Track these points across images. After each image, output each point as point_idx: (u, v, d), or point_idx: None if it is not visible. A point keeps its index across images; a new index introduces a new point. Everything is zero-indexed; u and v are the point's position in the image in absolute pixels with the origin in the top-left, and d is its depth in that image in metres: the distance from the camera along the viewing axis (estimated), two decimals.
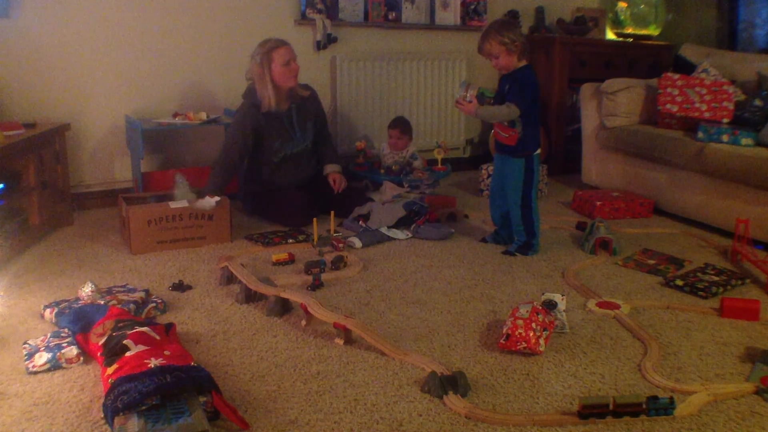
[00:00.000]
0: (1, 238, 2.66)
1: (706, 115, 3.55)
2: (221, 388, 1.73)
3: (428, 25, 4.38)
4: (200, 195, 3.05)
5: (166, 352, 1.81)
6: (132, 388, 1.59)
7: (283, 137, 3.38)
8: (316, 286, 2.52)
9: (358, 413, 1.72)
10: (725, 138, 3.33)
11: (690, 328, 2.23)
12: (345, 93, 4.13)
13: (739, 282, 2.62)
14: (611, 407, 1.68)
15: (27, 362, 1.90)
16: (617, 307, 2.37)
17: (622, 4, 4.79)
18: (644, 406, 1.69)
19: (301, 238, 3.09)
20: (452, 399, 1.76)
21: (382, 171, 3.86)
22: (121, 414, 1.54)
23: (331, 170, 3.49)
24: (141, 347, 1.81)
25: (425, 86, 4.39)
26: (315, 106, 3.53)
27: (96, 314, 2.08)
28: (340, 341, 2.09)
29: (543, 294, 2.26)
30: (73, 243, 3.03)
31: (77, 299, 2.29)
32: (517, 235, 2.97)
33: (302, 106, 3.44)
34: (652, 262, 2.86)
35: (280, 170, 3.42)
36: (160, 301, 2.32)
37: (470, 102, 2.84)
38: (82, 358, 1.94)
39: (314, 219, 3.03)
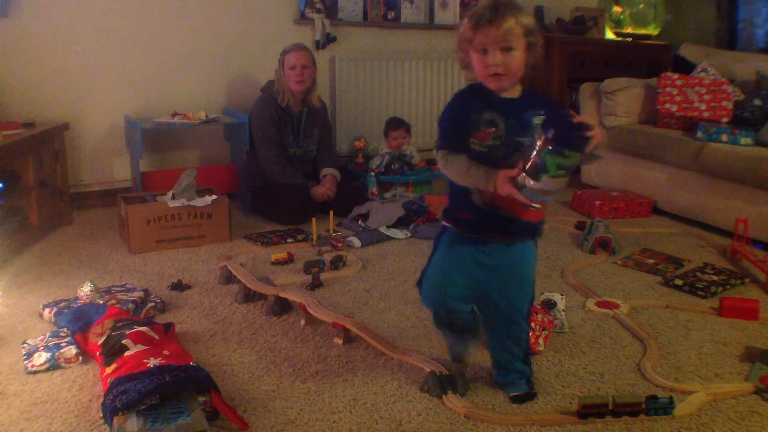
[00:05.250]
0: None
1: (706, 114, 3.55)
2: (220, 387, 1.73)
3: (427, 25, 4.37)
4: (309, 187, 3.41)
5: (165, 352, 1.81)
6: (131, 388, 1.59)
7: (293, 135, 3.53)
8: (315, 285, 2.52)
9: (357, 413, 1.72)
10: (724, 137, 3.32)
11: (689, 328, 2.23)
12: (344, 92, 4.13)
13: (739, 281, 2.62)
14: (610, 407, 1.68)
15: (26, 362, 1.90)
16: (616, 306, 2.37)
17: (617, 9, 4.79)
18: (643, 405, 1.69)
19: (300, 237, 3.08)
20: (451, 398, 1.76)
21: (374, 172, 3.75)
22: (120, 413, 1.54)
23: (327, 172, 3.53)
24: (140, 347, 1.81)
25: (424, 86, 4.38)
26: (323, 117, 3.68)
27: (95, 314, 2.08)
28: (339, 341, 2.09)
29: (542, 293, 2.26)
30: (72, 242, 3.03)
31: (76, 299, 2.29)
32: (516, 365, 1.81)
33: (312, 113, 3.59)
34: (651, 261, 2.86)
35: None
36: (159, 300, 2.32)
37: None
38: (81, 358, 1.94)
39: (313, 218, 3.03)
